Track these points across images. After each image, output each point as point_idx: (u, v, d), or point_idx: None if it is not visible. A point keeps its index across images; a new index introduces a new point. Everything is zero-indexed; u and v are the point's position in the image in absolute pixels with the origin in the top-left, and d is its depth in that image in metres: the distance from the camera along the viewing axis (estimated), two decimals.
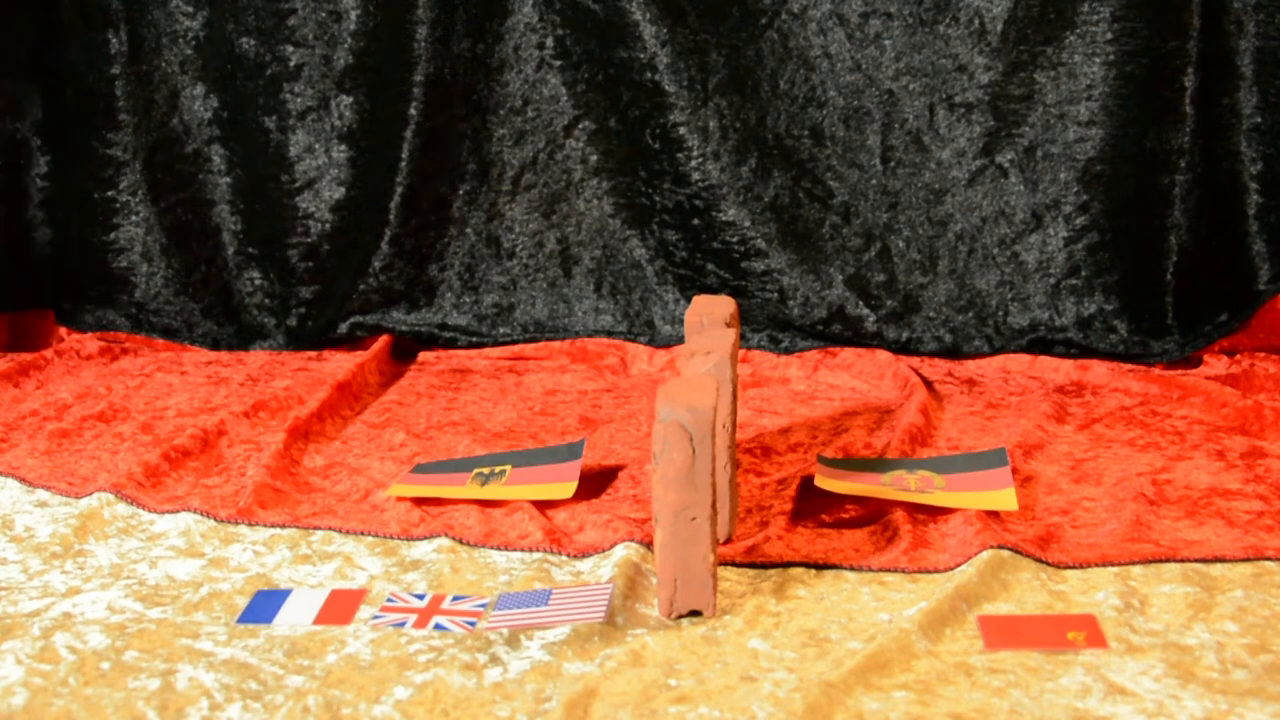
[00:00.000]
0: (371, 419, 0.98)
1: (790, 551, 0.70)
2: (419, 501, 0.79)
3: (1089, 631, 0.60)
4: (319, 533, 0.74)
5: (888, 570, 0.67)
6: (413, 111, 1.12)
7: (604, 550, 0.70)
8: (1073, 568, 0.67)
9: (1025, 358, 1.07)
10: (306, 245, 1.18)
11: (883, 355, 1.07)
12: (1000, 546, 0.67)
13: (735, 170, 1.07)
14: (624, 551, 0.69)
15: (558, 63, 1.11)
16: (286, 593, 0.67)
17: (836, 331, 1.09)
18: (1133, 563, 0.67)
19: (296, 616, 0.64)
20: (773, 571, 0.68)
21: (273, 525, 0.76)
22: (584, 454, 0.83)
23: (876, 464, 0.81)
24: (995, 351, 1.08)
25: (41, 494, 0.82)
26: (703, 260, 1.10)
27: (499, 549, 0.72)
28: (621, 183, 1.13)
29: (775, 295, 1.09)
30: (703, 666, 0.58)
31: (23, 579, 0.69)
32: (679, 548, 0.62)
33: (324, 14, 1.12)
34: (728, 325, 0.76)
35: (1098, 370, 1.03)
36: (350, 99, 1.14)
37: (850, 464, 0.81)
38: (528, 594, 0.66)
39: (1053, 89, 1.03)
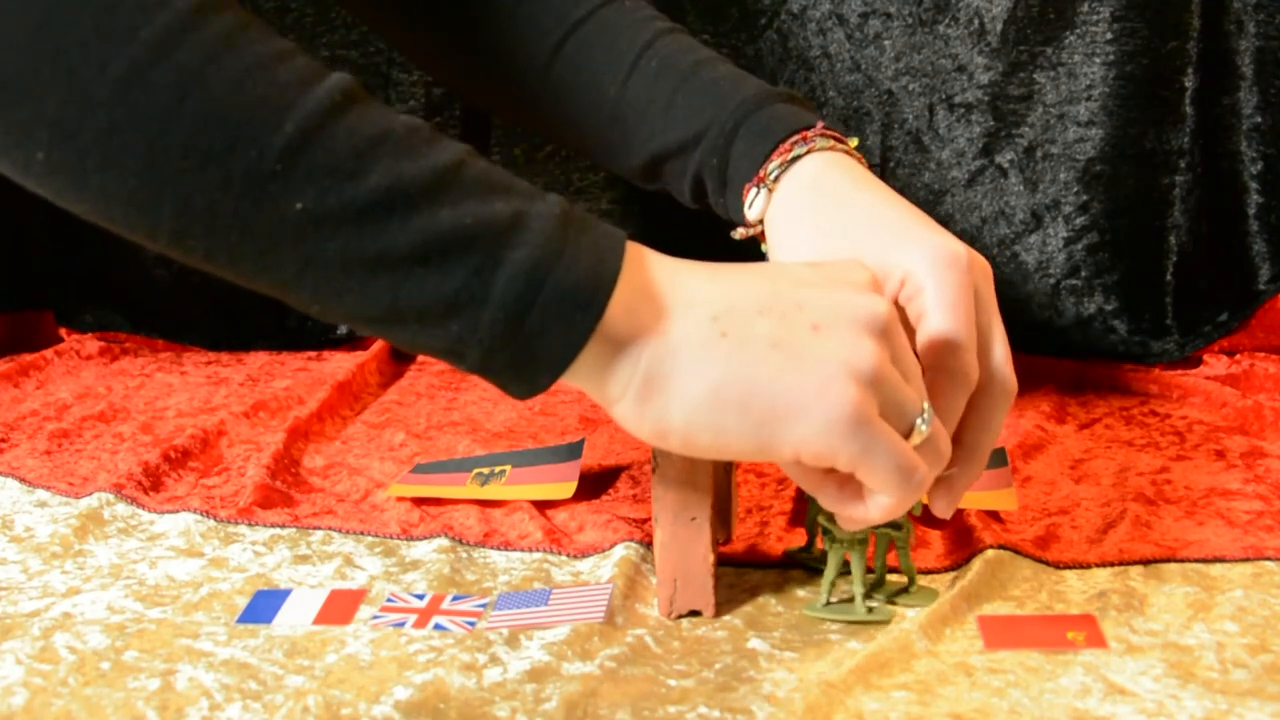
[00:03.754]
0: (371, 419, 0.98)
1: None
2: (419, 501, 0.79)
3: (1089, 631, 0.60)
4: (319, 533, 0.74)
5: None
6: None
7: (604, 550, 0.70)
8: (1073, 568, 0.67)
9: (1025, 358, 1.06)
10: None
11: None
12: (1000, 546, 0.68)
13: None
14: (624, 551, 0.69)
15: None
16: (286, 593, 0.67)
17: None
18: (1133, 563, 0.67)
19: (296, 616, 0.64)
20: (773, 571, 0.68)
21: (273, 525, 0.76)
22: (584, 454, 0.83)
23: None
24: None
25: (41, 494, 0.82)
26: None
27: (499, 549, 0.72)
28: (622, 182, 1.13)
29: None
30: (703, 666, 0.58)
31: (22, 579, 0.69)
32: (679, 548, 0.62)
33: (316, 16, 1.12)
34: None
35: (1098, 370, 1.03)
36: None
37: None
38: (527, 594, 0.66)
39: (1053, 89, 1.03)
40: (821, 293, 0.52)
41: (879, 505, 0.53)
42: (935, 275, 0.58)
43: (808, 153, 0.65)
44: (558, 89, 0.73)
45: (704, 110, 0.69)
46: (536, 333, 0.48)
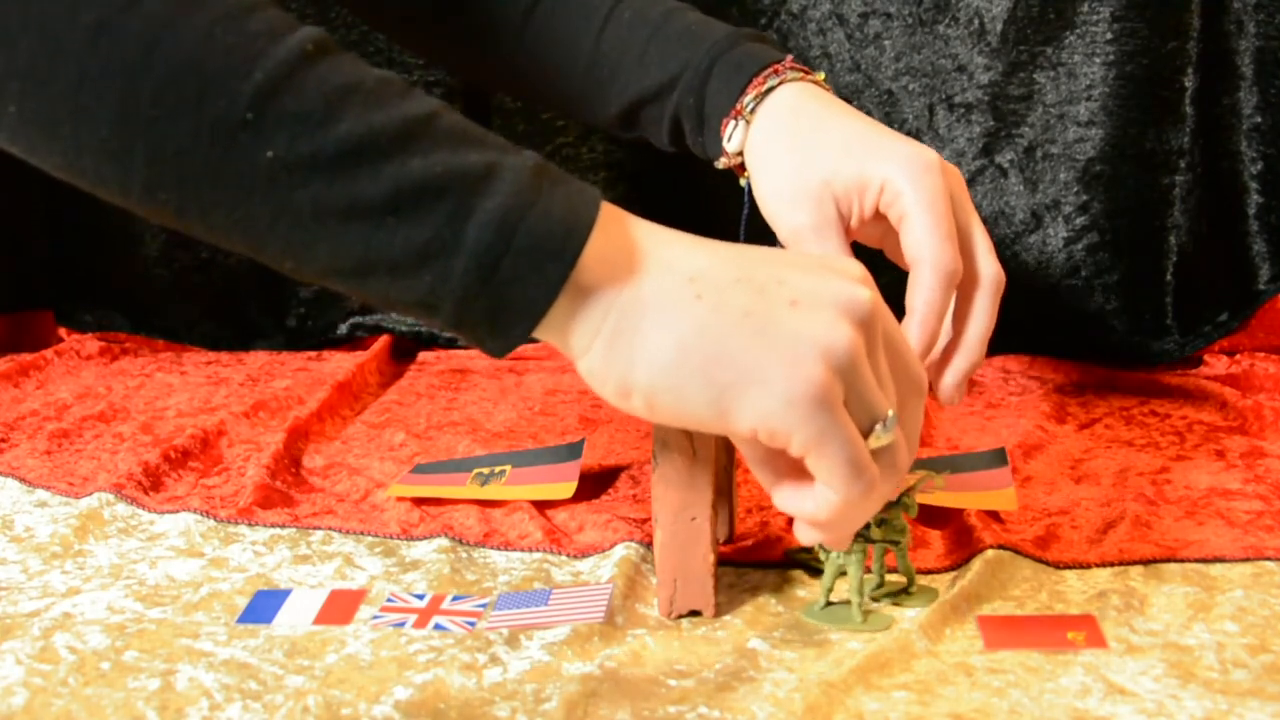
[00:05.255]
0: (371, 419, 0.98)
1: None
2: (419, 501, 0.79)
3: (1089, 631, 0.60)
4: (319, 533, 0.74)
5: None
6: None
7: (604, 550, 0.70)
8: (1073, 568, 0.67)
9: (1025, 358, 1.07)
10: None
11: None
12: (1000, 546, 0.68)
13: None
14: (624, 551, 0.69)
15: None
16: (286, 593, 0.67)
17: None
18: (1133, 563, 0.67)
19: (296, 616, 0.64)
20: (773, 571, 0.68)
21: (273, 525, 0.76)
22: (584, 454, 0.83)
23: None
24: (995, 352, 1.08)
25: (41, 494, 0.82)
26: None
27: (499, 549, 0.72)
28: (624, 184, 1.13)
29: None
30: (703, 666, 0.58)
31: (23, 579, 0.69)
32: (679, 548, 0.62)
33: (317, 16, 1.12)
34: None
35: (1098, 370, 1.03)
36: None
37: None
38: (527, 594, 0.66)
39: (1053, 89, 1.03)
40: (807, 274, 0.51)
41: (825, 500, 0.50)
42: (912, 179, 0.61)
43: (780, 84, 0.67)
44: (534, 48, 0.75)
45: (677, 55, 0.71)
46: (508, 281, 0.47)
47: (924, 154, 0.62)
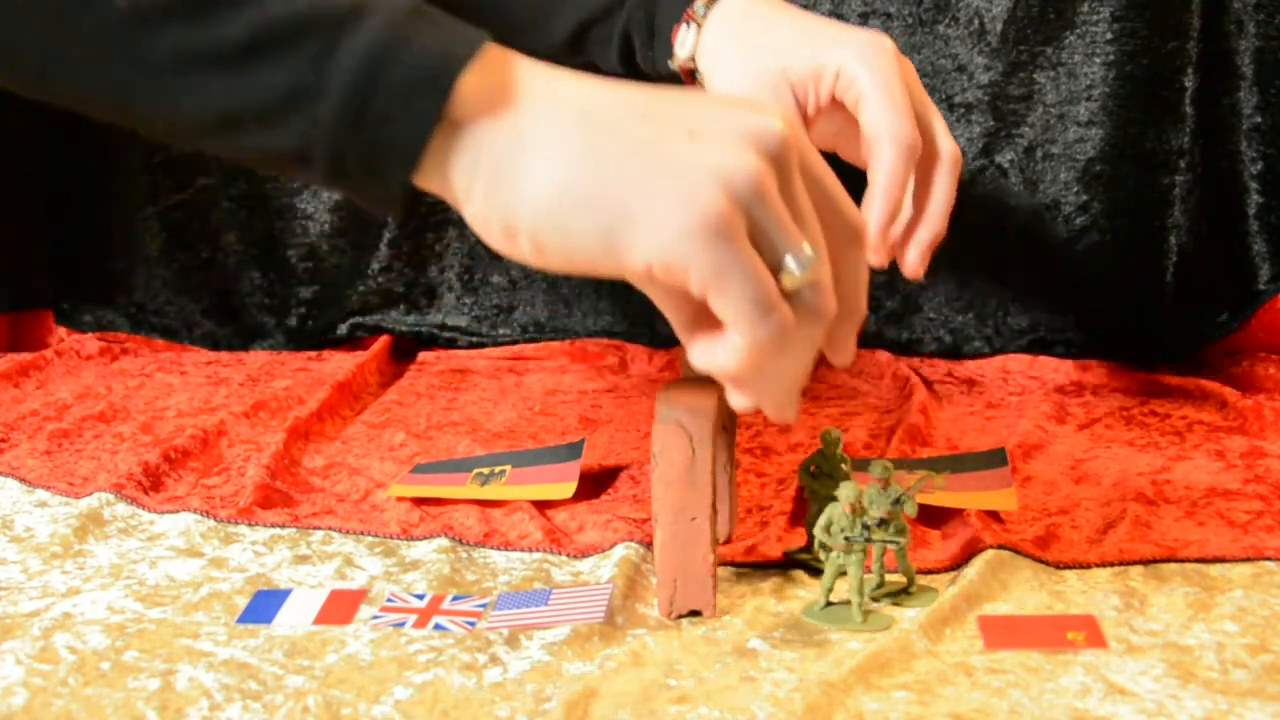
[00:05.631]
0: (371, 419, 0.98)
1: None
2: (419, 501, 0.79)
3: (1089, 631, 0.60)
4: (319, 533, 0.75)
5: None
6: None
7: (604, 550, 0.70)
8: (1073, 568, 0.67)
9: (1025, 358, 1.07)
10: (306, 245, 1.18)
11: (883, 355, 1.07)
12: (1000, 546, 0.68)
13: None
14: (624, 551, 0.69)
15: None
16: (286, 593, 0.67)
17: None
18: (1133, 563, 0.67)
19: (296, 616, 0.64)
20: (773, 571, 0.68)
21: (273, 525, 0.76)
22: (584, 454, 0.83)
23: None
24: (995, 352, 1.08)
25: (41, 494, 0.82)
26: None
27: (499, 549, 0.72)
28: None
29: None
30: (703, 666, 0.58)
31: (23, 579, 0.69)
32: (678, 548, 0.62)
33: None
34: None
35: (1098, 370, 1.03)
36: None
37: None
38: (527, 594, 0.66)
39: (1053, 89, 1.03)
40: (713, 107, 0.46)
41: (731, 347, 0.46)
42: (867, 61, 0.63)
43: None
44: None
45: None
46: (379, 123, 0.44)
47: (878, 39, 0.64)
